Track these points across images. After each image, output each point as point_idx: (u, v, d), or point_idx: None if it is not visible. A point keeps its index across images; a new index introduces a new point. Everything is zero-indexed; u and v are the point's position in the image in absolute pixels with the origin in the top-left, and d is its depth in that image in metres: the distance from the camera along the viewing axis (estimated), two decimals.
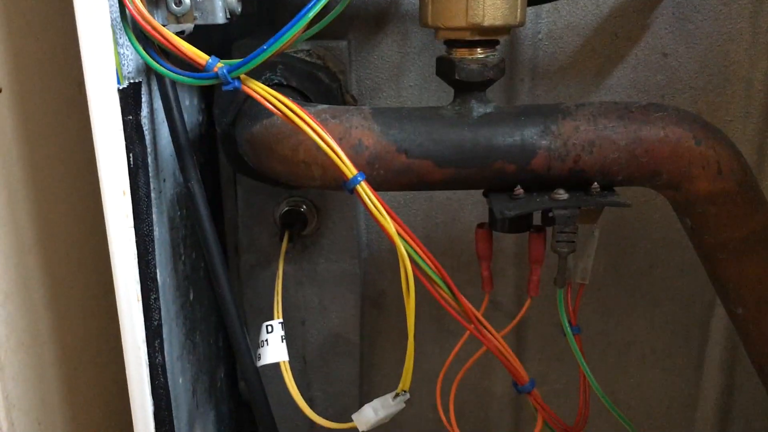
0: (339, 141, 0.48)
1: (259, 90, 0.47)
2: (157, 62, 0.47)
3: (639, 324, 0.76)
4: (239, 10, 0.51)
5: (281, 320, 0.57)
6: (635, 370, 0.77)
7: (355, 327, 0.73)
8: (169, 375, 0.55)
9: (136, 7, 0.46)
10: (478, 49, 0.51)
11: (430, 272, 0.50)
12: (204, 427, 0.65)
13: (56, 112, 0.61)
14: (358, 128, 0.51)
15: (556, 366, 0.77)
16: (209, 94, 0.64)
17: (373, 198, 0.48)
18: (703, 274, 0.70)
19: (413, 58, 0.66)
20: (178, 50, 0.45)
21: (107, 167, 0.46)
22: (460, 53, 0.51)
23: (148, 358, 0.51)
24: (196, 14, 0.49)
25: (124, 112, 0.47)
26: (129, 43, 0.48)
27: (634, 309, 0.75)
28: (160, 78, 0.51)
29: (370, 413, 0.53)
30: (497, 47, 0.52)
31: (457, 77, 0.51)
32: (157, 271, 0.53)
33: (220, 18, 0.50)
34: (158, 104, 0.53)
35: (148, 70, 0.52)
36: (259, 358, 0.56)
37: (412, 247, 0.49)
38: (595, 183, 0.52)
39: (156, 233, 0.54)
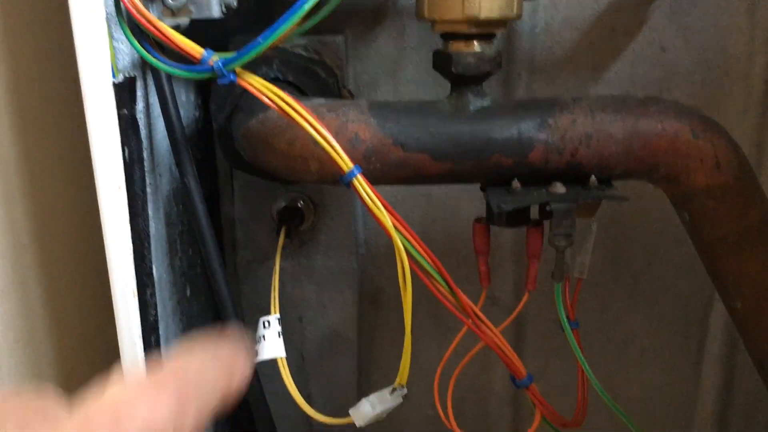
0: (335, 135, 0.48)
1: (254, 83, 0.47)
2: (153, 56, 0.47)
3: (637, 320, 0.76)
4: (235, 3, 0.51)
5: (278, 316, 0.57)
6: (634, 366, 0.77)
7: (352, 324, 0.73)
8: None
9: (131, 0, 0.45)
10: (475, 42, 0.51)
11: (427, 266, 0.50)
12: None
13: (52, 108, 0.61)
14: (354, 122, 0.51)
15: (554, 362, 0.77)
16: (205, 90, 0.64)
17: (369, 192, 0.47)
18: (702, 270, 0.70)
19: (410, 54, 0.66)
20: (173, 43, 0.45)
21: (102, 161, 0.46)
22: (457, 46, 0.51)
23: (145, 355, 0.51)
24: (191, 8, 0.49)
25: (119, 106, 0.47)
26: (124, 37, 0.48)
27: (633, 305, 0.75)
28: (156, 72, 0.51)
29: (367, 408, 0.53)
30: (494, 40, 0.52)
31: (453, 70, 0.51)
32: (153, 267, 0.53)
33: (216, 12, 0.50)
34: (154, 99, 0.53)
35: (143, 65, 0.51)
36: (256, 354, 0.56)
37: (409, 242, 0.49)
38: (593, 177, 0.52)
39: (152, 229, 0.53)
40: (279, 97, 0.47)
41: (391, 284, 0.76)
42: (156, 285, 0.53)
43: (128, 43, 0.48)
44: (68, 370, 0.63)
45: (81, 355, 0.65)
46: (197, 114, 0.65)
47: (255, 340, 0.57)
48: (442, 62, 0.52)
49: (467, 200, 0.71)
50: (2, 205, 0.55)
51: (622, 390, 0.76)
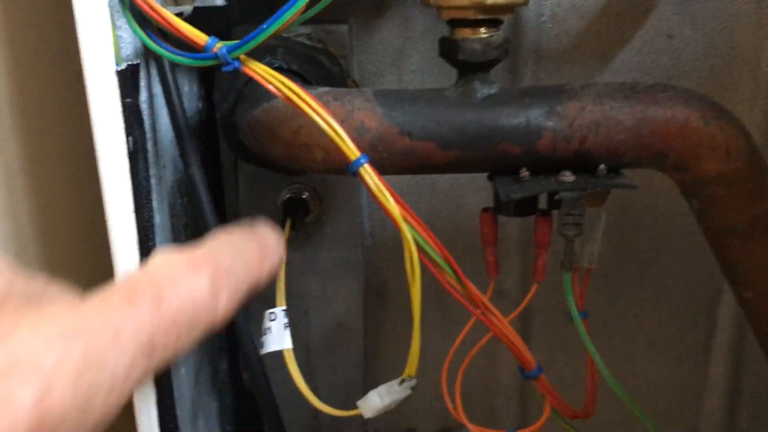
0: (341, 123, 0.47)
1: (259, 71, 0.46)
2: (156, 43, 0.46)
3: (645, 311, 0.75)
4: None
5: (285, 308, 0.57)
6: (641, 357, 0.77)
7: (358, 316, 0.72)
8: (171, 365, 0.54)
9: None
10: (482, 29, 0.50)
11: (435, 256, 0.49)
12: (207, 418, 0.65)
13: (54, 100, 0.61)
14: (360, 110, 0.50)
15: (562, 354, 0.77)
16: (209, 81, 0.63)
17: (376, 180, 0.47)
18: (710, 261, 0.70)
19: (415, 43, 0.65)
20: (177, 30, 0.45)
21: (106, 151, 0.46)
22: (464, 33, 0.51)
23: None
24: None
25: (123, 95, 0.46)
26: (126, 26, 0.47)
27: (640, 296, 0.74)
28: (159, 62, 0.50)
29: (375, 399, 0.52)
30: (501, 27, 0.52)
31: (460, 57, 0.50)
32: None
33: None
34: (157, 89, 0.53)
35: (146, 54, 0.51)
36: (262, 346, 0.56)
37: (417, 232, 0.48)
38: (602, 165, 0.51)
39: (156, 220, 0.53)
40: (284, 85, 0.46)
41: (396, 276, 0.75)
42: None
43: (131, 31, 0.47)
44: None
45: None
46: (200, 105, 0.65)
47: (261, 332, 0.56)
48: (448, 49, 0.52)
49: (472, 191, 0.70)
50: (5, 196, 0.55)
51: (629, 381, 0.76)
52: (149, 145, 0.51)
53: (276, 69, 0.48)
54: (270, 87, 0.46)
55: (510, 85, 0.66)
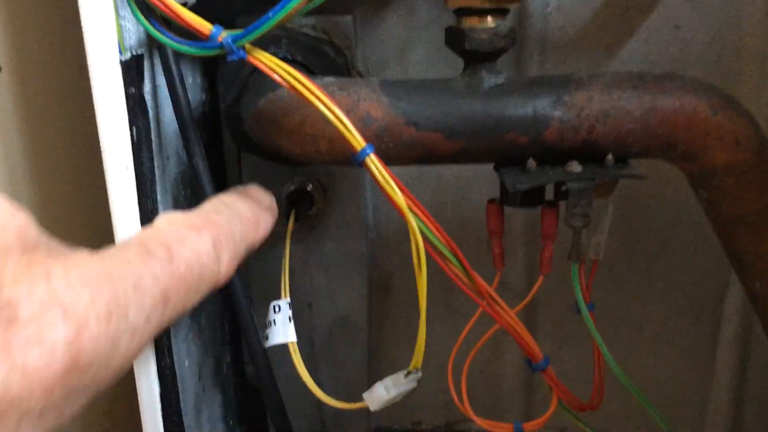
0: (347, 113, 0.47)
1: (265, 60, 0.46)
2: (160, 32, 0.46)
3: (651, 303, 0.75)
4: None
5: (289, 300, 0.56)
6: (647, 349, 0.76)
7: (362, 310, 0.72)
8: (175, 357, 0.54)
9: None
10: (489, 18, 0.50)
11: (441, 247, 0.49)
12: (211, 411, 0.65)
13: (58, 90, 0.60)
14: (366, 100, 0.50)
15: (567, 347, 0.76)
16: (212, 74, 0.63)
17: (382, 171, 0.46)
18: (717, 252, 0.69)
19: (420, 34, 0.65)
20: (182, 19, 0.44)
21: (110, 141, 0.45)
22: (470, 22, 0.50)
23: (153, 339, 0.50)
24: None
25: (127, 85, 0.46)
26: (130, 15, 0.47)
27: (647, 287, 0.74)
28: (163, 52, 0.50)
29: (381, 391, 0.52)
30: (508, 16, 0.51)
31: (467, 47, 0.50)
32: None
33: None
34: (161, 81, 0.52)
35: (150, 44, 0.50)
36: (267, 339, 0.55)
37: (423, 222, 0.48)
38: (610, 155, 0.51)
39: (161, 211, 0.52)
40: (290, 74, 0.46)
41: (401, 269, 0.75)
42: None
43: (135, 20, 0.47)
44: None
45: None
46: (204, 97, 0.64)
47: (265, 325, 0.56)
48: (454, 39, 0.51)
49: (478, 182, 0.70)
50: (8, 186, 0.54)
51: (635, 374, 0.75)
52: (153, 136, 0.51)
53: (281, 60, 0.47)
54: (275, 76, 0.46)
55: (516, 76, 0.66)
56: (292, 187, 0.66)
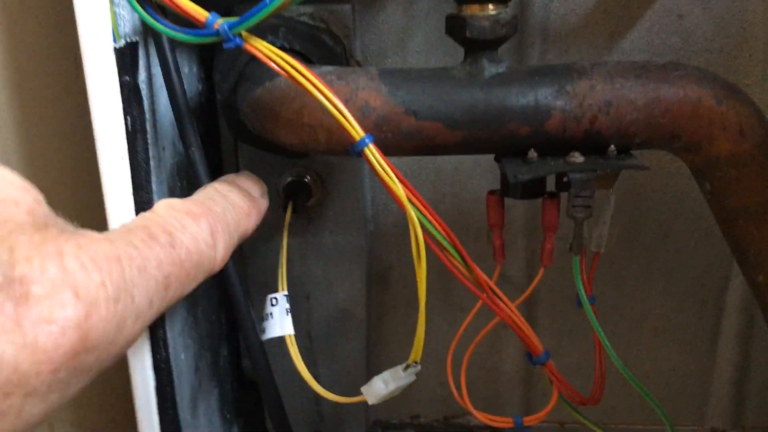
0: (345, 103, 0.46)
1: (262, 48, 0.45)
2: (155, 20, 0.45)
3: (652, 296, 0.74)
4: None
5: (286, 293, 0.56)
6: (648, 343, 0.76)
7: (361, 302, 0.71)
8: (170, 350, 0.53)
9: None
10: (490, 5, 0.49)
11: (440, 239, 0.48)
12: (207, 405, 0.64)
13: (52, 81, 0.59)
14: (364, 89, 0.49)
15: (568, 340, 0.76)
16: (210, 63, 0.62)
17: (382, 161, 0.46)
18: (719, 245, 0.69)
19: (419, 22, 0.64)
20: (177, 6, 0.43)
21: (104, 130, 0.45)
22: (471, 9, 0.49)
23: (149, 332, 0.50)
24: None
25: (121, 73, 0.45)
26: (125, 2, 0.46)
27: (648, 281, 0.73)
28: (159, 40, 0.49)
29: (380, 385, 0.51)
30: (509, 3, 0.50)
31: (468, 35, 0.49)
32: None
33: None
34: (156, 69, 0.51)
35: (145, 32, 0.50)
36: (264, 332, 0.55)
37: (422, 214, 0.47)
38: (612, 146, 0.50)
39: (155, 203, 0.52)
40: (287, 63, 0.45)
41: (400, 262, 0.74)
42: None
43: (129, 7, 0.46)
44: None
45: None
46: (200, 87, 0.63)
47: (262, 318, 0.55)
48: (455, 27, 0.50)
49: (478, 173, 0.69)
50: None
51: (636, 367, 0.75)
52: (148, 126, 0.50)
53: (278, 49, 0.46)
54: (272, 65, 0.45)
55: (517, 66, 0.65)
56: (289, 179, 0.65)
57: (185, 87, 0.52)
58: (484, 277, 0.49)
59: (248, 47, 0.45)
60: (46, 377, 0.29)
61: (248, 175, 0.53)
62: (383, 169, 0.45)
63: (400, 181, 0.46)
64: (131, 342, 0.35)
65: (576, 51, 0.64)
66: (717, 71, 0.57)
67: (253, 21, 0.43)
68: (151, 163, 0.50)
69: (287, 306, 0.55)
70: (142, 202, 0.48)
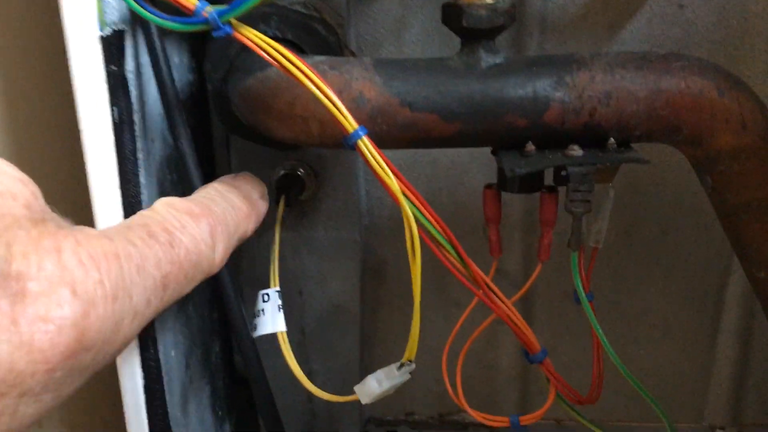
0: (339, 94, 0.45)
1: (252, 37, 0.44)
2: (142, 7, 0.44)
3: (651, 292, 0.73)
4: None
5: (278, 288, 0.55)
6: (647, 339, 0.75)
7: (355, 297, 0.70)
8: (160, 347, 0.52)
9: None
10: None
11: (435, 234, 0.47)
12: (199, 402, 0.63)
13: (37, 74, 0.58)
14: (359, 80, 0.48)
15: (565, 337, 0.75)
16: (202, 53, 0.60)
17: (375, 154, 0.45)
18: (718, 241, 0.68)
19: (415, 12, 0.63)
20: None
21: (89, 121, 0.43)
22: None
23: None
24: None
25: (107, 62, 0.44)
26: None
27: (646, 277, 0.72)
28: (147, 29, 0.48)
29: (373, 385, 0.50)
30: None
31: (464, 24, 0.48)
32: None
33: None
34: (145, 59, 0.50)
35: (133, 21, 0.48)
36: (255, 328, 0.54)
37: (417, 208, 0.46)
38: (612, 138, 0.49)
39: (144, 197, 0.50)
40: (279, 52, 0.44)
41: (395, 256, 0.73)
42: None
43: None
44: None
45: None
46: (191, 78, 0.62)
47: (253, 314, 0.54)
48: (452, 16, 0.49)
49: (474, 167, 0.68)
50: None
51: (634, 364, 0.74)
52: (136, 118, 0.49)
53: (270, 38, 0.45)
54: (263, 54, 0.44)
55: (515, 56, 0.64)
56: (282, 172, 0.64)
57: (175, 77, 0.51)
58: (480, 273, 0.48)
59: (238, 36, 0.44)
60: (42, 377, 0.28)
61: (248, 176, 0.52)
62: (377, 162, 0.44)
63: (395, 174, 0.45)
64: (128, 341, 0.34)
65: (575, 41, 0.63)
66: (719, 62, 0.57)
67: (243, 9, 0.42)
68: (140, 155, 0.49)
69: (279, 302, 0.54)
70: (130, 195, 0.47)
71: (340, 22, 0.58)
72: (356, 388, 0.51)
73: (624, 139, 0.49)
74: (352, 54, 0.59)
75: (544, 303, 0.74)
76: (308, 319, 0.71)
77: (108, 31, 0.44)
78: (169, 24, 0.43)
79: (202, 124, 0.65)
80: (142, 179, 0.50)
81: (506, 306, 0.50)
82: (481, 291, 0.49)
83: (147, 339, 0.50)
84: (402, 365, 0.50)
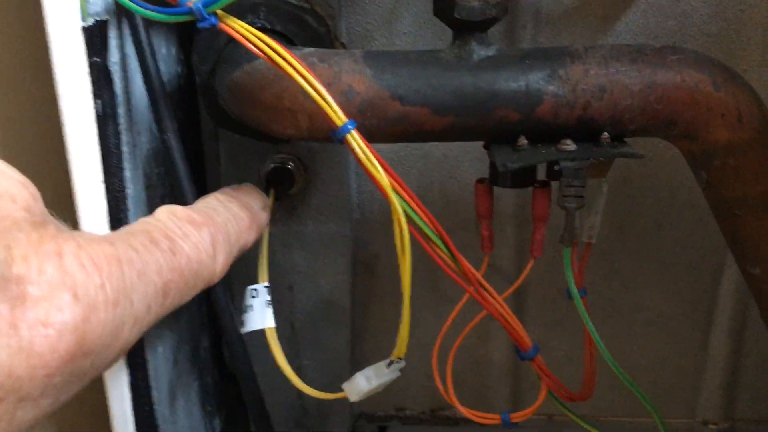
0: (327, 86, 0.44)
1: (238, 28, 0.43)
2: None
3: (645, 288, 0.73)
4: None
5: (267, 284, 0.54)
6: (640, 335, 0.74)
7: (345, 292, 0.70)
8: (146, 344, 0.51)
9: None
10: None
11: (426, 230, 0.46)
12: (187, 398, 0.62)
13: (18, 66, 0.57)
14: (348, 72, 0.47)
15: (558, 333, 0.74)
16: (189, 45, 0.59)
17: (365, 148, 0.44)
18: (712, 236, 0.67)
19: (407, 3, 0.62)
20: None
21: (71, 113, 0.43)
22: None
23: None
24: None
25: (90, 54, 0.43)
26: None
27: (640, 272, 0.72)
28: (132, 19, 0.47)
29: (362, 382, 0.49)
30: None
31: (457, 16, 0.47)
32: None
33: None
34: (131, 51, 0.49)
35: (118, 13, 0.47)
36: (243, 324, 0.53)
37: (407, 203, 0.45)
38: (606, 133, 0.48)
39: (130, 191, 0.50)
40: (266, 43, 0.43)
41: (386, 251, 0.72)
42: None
43: None
44: None
45: None
46: (179, 70, 0.61)
47: (242, 310, 0.54)
48: (444, 7, 0.48)
49: (467, 161, 0.67)
50: None
51: (627, 360, 0.74)
52: (121, 110, 0.48)
53: (259, 29, 0.45)
54: (250, 46, 0.43)
55: (507, 49, 0.63)
56: (271, 165, 0.63)
57: (163, 69, 0.50)
58: (472, 269, 0.48)
59: (224, 27, 0.43)
60: (41, 382, 0.28)
61: (250, 187, 0.52)
62: (366, 156, 0.44)
63: (384, 168, 0.44)
64: (127, 347, 0.34)
65: (569, 34, 0.62)
66: (715, 55, 0.56)
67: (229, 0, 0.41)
68: (125, 148, 0.48)
69: (268, 298, 0.53)
70: (114, 189, 0.46)
71: (331, 13, 0.57)
72: (344, 385, 0.51)
73: (618, 133, 0.49)
74: (343, 46, 0.58)
75: (538, 298, 0.74)
76: (298, 314, 0.70)
77: (90, 21, 0.43)
78: (153, 14, 0.43)
79: (190, 117, 0.64)
80: (128, 173, 0.49)
81: (497, 302, 0.49)
82: (471, 287, 0.48)
83: None
84: (391, 362, 0.49)
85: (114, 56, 0.47)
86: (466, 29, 0.48)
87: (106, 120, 0.45)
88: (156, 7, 0.43)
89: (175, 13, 0.42)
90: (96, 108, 0.44)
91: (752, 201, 0.51)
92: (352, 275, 0.70)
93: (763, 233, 0.52)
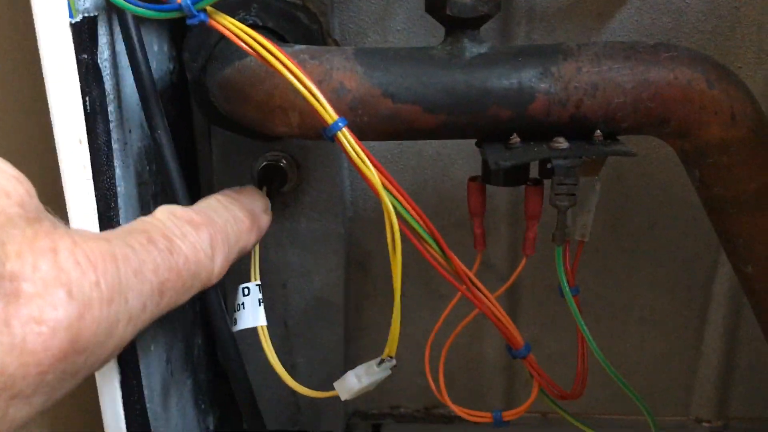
0: (318, 83, 0.44)
1: (228, 25, 0.42)
2: None
3: (638, 286, 0.72)
4: None
5: (258, 282, 0.53)
6: (634, 332, 0.74)
7: (339, 290, 0.69)
8: (138, 343, 0.51)
9: None
10: None
11: (418, 228, 0.46)
12: (180, 396, 0.62)
13: (10, 63, 0.57)
14: (339, 70, 0.47)
15: (551, 331, 0.74)
16: (181, 42, 0.59)
17: (356, 146, 0.44)
18: (706, 234, 0.67)
19: (400, 0, 0.62)
20: None
21: (61, 111, 0.42)
22: None
23: None
24: None
25: (79, 51, 0.42)
26: None
27: (634, 270, 0.72)
28: (122, 16, 0.46)
29: (353, 381, 0.49)
30: None
31: (448, 12, 0.47)
32: None
33: None
34: (121, 47, 0.49)
35: (108, 8, 0.47)
36: (235, 323, 0.53)
37: (398, 201, 0.45)
38: (598, 131, 0.48)
39: (121, 188, 0.49)
40: (256, 41, 0.42)
41: (379, 249, 0.72)
42: None
43: None
44: None
45: None
46: (171, 67, 0.61)
47: (233, 308, 0.53)
48: (435, 4, 0.48)
49: (460, 159, 0.67)
50: None
51: (621, 358, 0.74)
52: (111, 107, 0.48)
53: (250, 26, 0.44)
54: (240, 43, 0.43)
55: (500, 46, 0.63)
56: (264, 163, 0.63)
57: (154, 66, 0.49)
58: (463, 267, 0.47)
59: (213, 24, 0.42)
60: (33, 379, 0.28)
61: (252, 189, 0.52)
62: (357, 154, 0.43)
63: (375, 167, 0.44)
64: (122, 345, 0.34)
65: (563, 31, 0.62)
66: (709, 53, 0.56)
67: None
68: (115, 146, 0.48)
69: (260, 296, 0.53)
70: (104, 187, 0.46)
71: (323, 10, 0.56)
72: (336, 384, 0.51)
73: (611, 131, 0.48)
74: (336, 43, 0.58)
75: (530, 296, 0.74)
76: (292, 312, 0.70)
77: (79, 17, 0.43)
78: (142, 11, 0.42)
79: (182, 115, 0.64)
80: (118, 170, 0.49)
81: (489, 301, 0.49)
82: (464, 286, 0.48)
83: None
84: (382, 361, 0.49)
85: (104, 53, 0.46)
86: (458, 26, 0.48)
87: (95, 117, 0.45)
88: (146, 4, 0.42)
89: (165, 10, 0.42)
90: (85, 105, 0.43)
91: (745, 199, 0.50)
92: (346, 273, 0.70)
93: (756, 232, 0.52)
